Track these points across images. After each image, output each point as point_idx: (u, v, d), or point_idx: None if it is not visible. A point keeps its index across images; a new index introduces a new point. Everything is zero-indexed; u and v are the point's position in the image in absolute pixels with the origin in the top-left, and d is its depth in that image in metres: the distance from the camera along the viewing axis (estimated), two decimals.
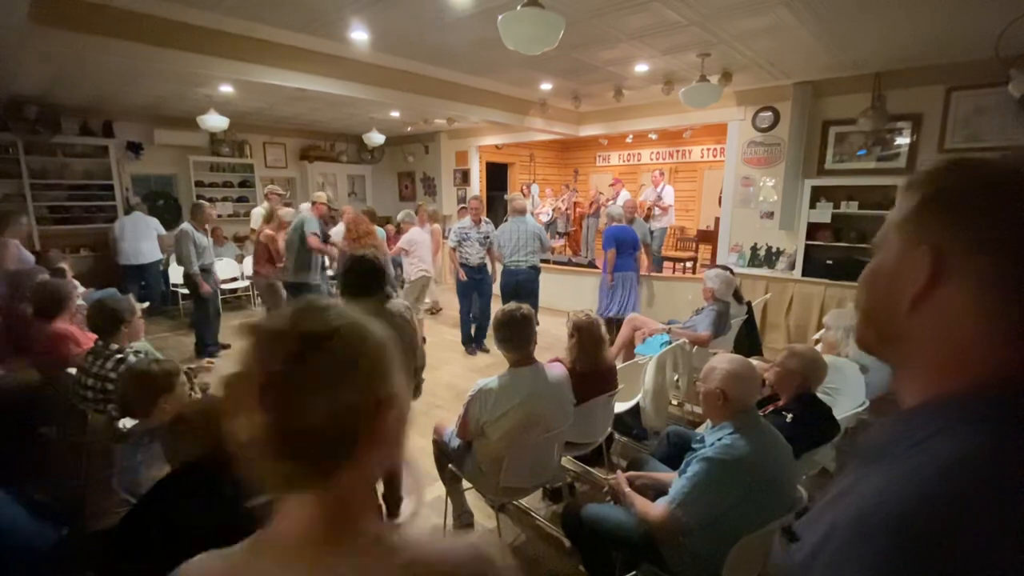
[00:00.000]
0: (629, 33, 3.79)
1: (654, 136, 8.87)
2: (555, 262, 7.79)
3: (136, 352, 2.24)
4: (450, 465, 2.27)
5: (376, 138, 7.70)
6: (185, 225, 4.97)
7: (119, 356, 2.18)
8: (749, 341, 4.16)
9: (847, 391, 2.27)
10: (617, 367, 2.84)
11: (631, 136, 8.91)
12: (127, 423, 1.73)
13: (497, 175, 10.27)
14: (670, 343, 3.61)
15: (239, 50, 3.91)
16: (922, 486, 0.44)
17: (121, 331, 2.27)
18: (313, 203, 4.96)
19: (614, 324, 4.79)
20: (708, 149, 9.04)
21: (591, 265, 7.42)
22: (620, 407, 2.97)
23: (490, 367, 4.59)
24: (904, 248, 0.53)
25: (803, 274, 5.35)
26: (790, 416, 1.91)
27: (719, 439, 1.58)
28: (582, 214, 9.62)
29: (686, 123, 6.64)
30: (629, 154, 10.19)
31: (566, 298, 6.88)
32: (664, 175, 8.02)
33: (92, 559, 1.19)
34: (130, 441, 1.60)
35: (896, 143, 4.97)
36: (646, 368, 3.06)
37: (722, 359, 1.68)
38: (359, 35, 3.78)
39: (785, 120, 5.45)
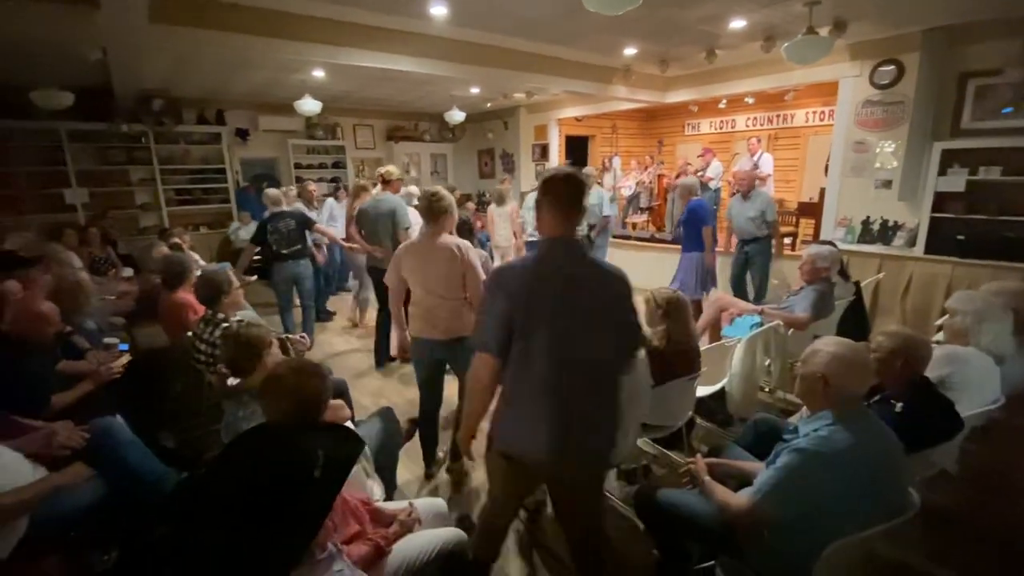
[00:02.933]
0: None
1: (751, 100, 8.13)
2: (636, 238, 7.51)
3: (239, 321, 2.46)
4: None
5: (457, 115, 7.78)
6: (298, 204, 5.56)
7: (225, 324, 2.40)
8: (856, 325, 3.75)
9: (974, 385, 1.95)
10: (701, 349, 2.69)
11: (724, 101, 8.24)
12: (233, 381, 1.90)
13: (577, 149, 10.00)
14: (761, 325, 3.35)
15: (328, 34, 4.07)
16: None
17: (223, 300, 2.50)
18: (388, 181, 4.40)
19: None
20: (814, 112, 8.16)
21: (676, 242, 7.04)
22: (703, 391, 2.82)
23: None
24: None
25: (926, 251, 4.70)
26: (899, 405, 1.68)
27: (815, 430, 1.43)
28: (667, 187, 9.14)
29: (789, 83, 6.01)
30: (722, 121, 9.46)
31: (647, 277, 6.62)
32: (761, 142, 7.37)
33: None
34: (233, 399, 1.76)
35: None
36: (734, 351, 2.87)
37: (828, 341, 1.51)
38: (439, 10, 3.78)
39: (911, 74, 4.74)
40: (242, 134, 8.10)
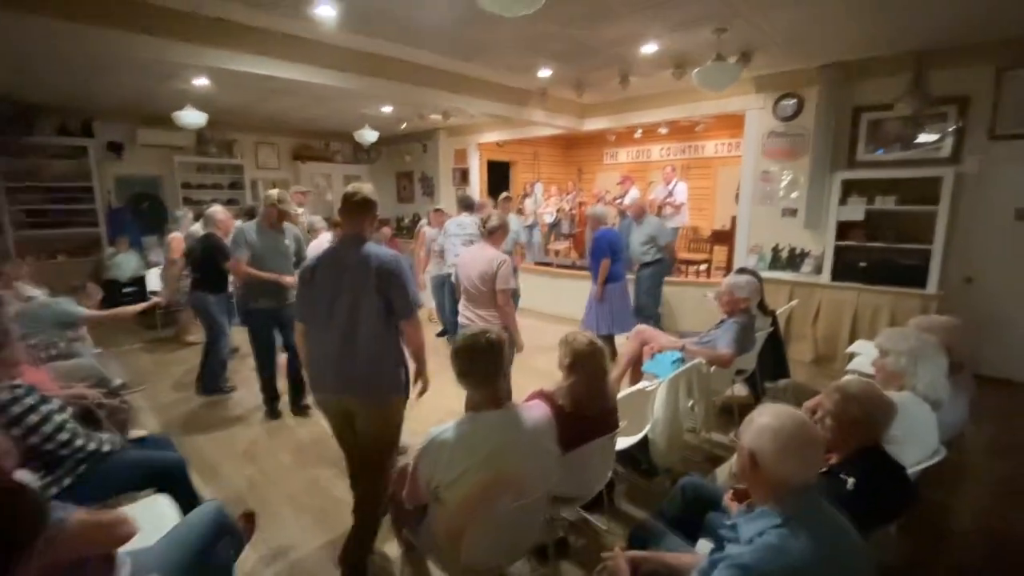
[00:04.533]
0: (634, 4, 3.30)
1: (664, 131, 8.34)
2: (559, 265, 7.30)
3: (16, 386, 1.79)
4: (404, 530, 1.79)
5: (368, 136, 7.26)
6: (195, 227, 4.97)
7: None
8: (774, 358, 3.64)
9: (914, 437, 1.74)
10: (620, 393, 2.35)
11: (640, 131, 8.39)
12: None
13: (499, 174, 9.79)
14: (683, 360, 3.11)
15: (201, 32, 3.51)
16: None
17: None
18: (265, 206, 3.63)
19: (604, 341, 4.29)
20: (722, 144, 8.49)
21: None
22: (625, 442, 2.47)
23: None
24: None
25: (833, 278, 4.79)
26: (851, 481, 1.39)
27: (760, 533, 1.08)
28: (586, 214, 9.10)
29: (699, 113, 6.09)
30: (638, 150, 9.67)
31: (567, 305, 6.39)
32: (676, 171, 7.49)
33: None
34: None
35: (937, 130, 4.41)
36: (655, 395, 2.56)
37: (764, 411, 1.19)
38: (324, 10, 3.32)
39: (810, 107, 4.91)
40: (116, 148, 7.07)
